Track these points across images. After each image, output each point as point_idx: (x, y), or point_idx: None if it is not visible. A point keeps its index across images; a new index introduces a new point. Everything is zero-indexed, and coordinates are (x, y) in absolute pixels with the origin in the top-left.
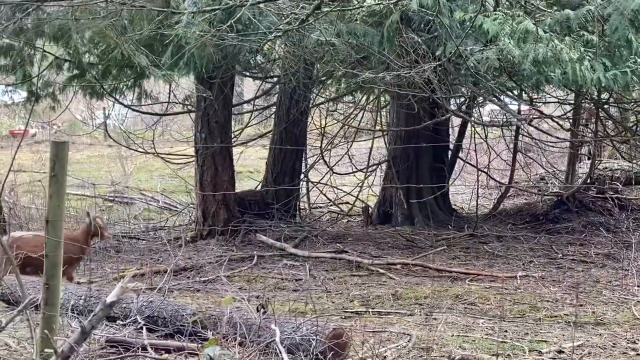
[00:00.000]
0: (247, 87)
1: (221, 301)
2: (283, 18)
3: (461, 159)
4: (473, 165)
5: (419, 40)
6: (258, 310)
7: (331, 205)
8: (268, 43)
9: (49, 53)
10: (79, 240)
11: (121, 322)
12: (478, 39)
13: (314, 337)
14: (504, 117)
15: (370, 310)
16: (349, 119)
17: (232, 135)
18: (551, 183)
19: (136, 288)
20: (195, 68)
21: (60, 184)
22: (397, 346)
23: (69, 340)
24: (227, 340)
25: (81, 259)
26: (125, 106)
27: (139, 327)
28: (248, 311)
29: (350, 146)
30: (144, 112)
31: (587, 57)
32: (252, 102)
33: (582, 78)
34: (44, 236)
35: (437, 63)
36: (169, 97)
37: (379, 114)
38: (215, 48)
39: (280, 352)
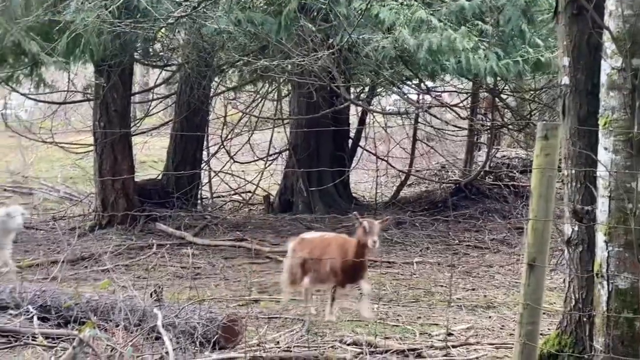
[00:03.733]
0: (155, 76)
1: (99, 285)
2: (178, 5)
3: (362, 148)
4: (372, 153)
5: (313, 28)
6: (151, 297)
7: (233, 194)
8: (162, 30)
9: None
10: (350, 247)
11: (13, 312)
12: (377, 28)
13: (204, 323)
14: (405, 106)
15: (267, 297)
16: (249, 108)
17: (133, 124)
18: (451, 171)
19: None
20: (92, 56)
21: None
22: (291, 331)
23: None
24: (116, 326)
25: (362, 263)
26: (22, 95)
27: (30, 316)
28: (141, 298)
29: (252, 135)
30: (41, 101)
31: (482, 47)
32: (152, 90)
33: (475, 67)
34: (332, 237)
35: (330, 51)
36: (68, 86)
37: (279, 102)
38: (111, 35)
39: (162, 335)
